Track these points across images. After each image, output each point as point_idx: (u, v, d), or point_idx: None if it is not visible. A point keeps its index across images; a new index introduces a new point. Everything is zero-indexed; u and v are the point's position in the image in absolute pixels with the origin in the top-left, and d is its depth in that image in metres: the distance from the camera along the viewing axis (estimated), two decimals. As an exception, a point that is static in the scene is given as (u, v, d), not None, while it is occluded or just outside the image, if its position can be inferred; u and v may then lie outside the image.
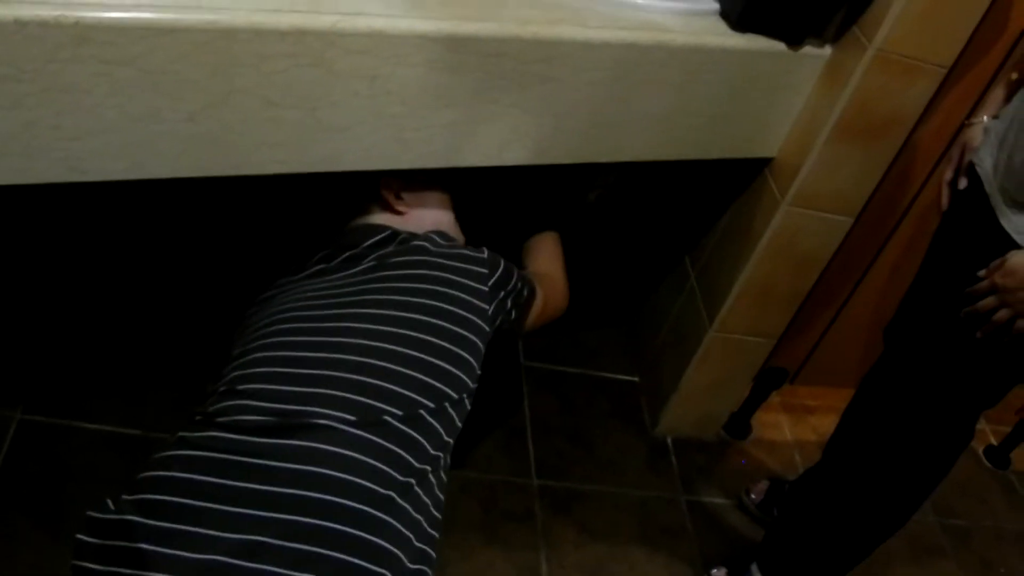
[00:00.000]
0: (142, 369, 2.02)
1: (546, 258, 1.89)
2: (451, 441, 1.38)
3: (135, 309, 2.09)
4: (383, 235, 1.55)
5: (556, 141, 1.61)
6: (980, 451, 2.64)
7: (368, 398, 1.28)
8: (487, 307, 1.50)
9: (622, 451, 2.27)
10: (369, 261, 1.51)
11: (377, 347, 1.34)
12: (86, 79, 1.18)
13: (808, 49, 1.71)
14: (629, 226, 2.43)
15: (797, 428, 2.53)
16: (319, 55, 1.28)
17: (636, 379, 2.44)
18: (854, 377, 1.95)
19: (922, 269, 1.76)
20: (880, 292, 2.28)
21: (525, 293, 1.66)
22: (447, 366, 1.39)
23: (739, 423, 2.42)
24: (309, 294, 1.47)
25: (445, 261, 1.51)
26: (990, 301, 1.51)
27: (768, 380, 2.34)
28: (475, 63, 1.41)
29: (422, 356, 1.36)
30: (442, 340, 1.40)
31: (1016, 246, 1.49)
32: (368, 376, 1.30)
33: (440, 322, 1.42)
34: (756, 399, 2.39)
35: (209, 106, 1.27)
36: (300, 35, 1.25)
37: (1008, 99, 1.63)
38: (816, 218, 1.90)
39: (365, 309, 1.40)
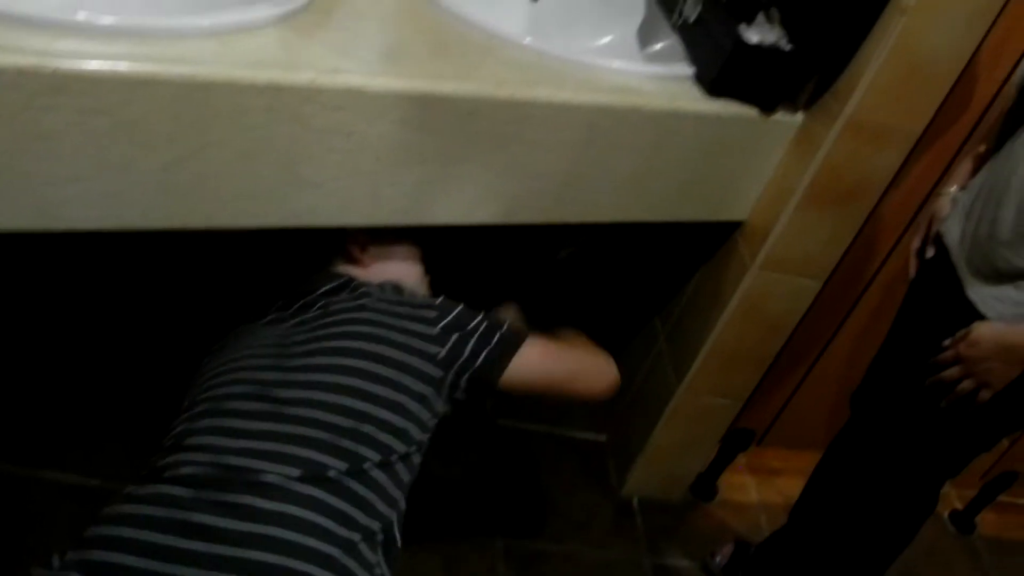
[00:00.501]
0: (102, 419, 2.00)
1: (571, 333, 1.82)
2: (400, 495, 1.36)
3: (95, 358, 2.07)
4: (337, 283, 1.54)
5: (528, 201, 1.62)
6: (945, 516, 2.64)
7: (312, 452, 1.26)
8: (438, 349, 1.44)
9: (588, 511, 2.26)
10: (317, 309, 1.49)
11: (319, 399, 1.31)
12: (61, 127, 1.18)
13: (781, 115, 1.74)
14: (599, 285, 2.44)
15: (763, 490, 2.52)
16: (296, 110, 1.29)
17: (603, 439, 2.44)
18: (821, 440, 1.96)
19: (889, 337, 1.78)
20: (847, 356, 2.30)
21: (497, 336, 1.51)
22: (391, 416, 1.35)
23: (706, 484, 2.42)
24: (257, 344, 1.45)
25: (388, 306, 1.47)
26: (954, 371, 1.53)
27: (735, 442, 2.34)
28: (450, 122, 1.42)
29: (365, 407, 1.33)
30: (386, 389, 1.36)
31: (980, 317, 1.51)
32: (311, 429, 1.28)
33: (381, 369, 1.37)
34: (723, 460, 2.39)
35: (184, 158, 1.27)
36: (277, 91, 1.26)
37: (975, 171, 1.66)
38: (785, 282, 1.92)
39: (307, 359, 1.37)
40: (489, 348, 1.49)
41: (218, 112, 1.24)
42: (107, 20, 1.20)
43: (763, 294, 1.93)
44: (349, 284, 1.54)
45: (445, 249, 1.76)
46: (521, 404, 2.41)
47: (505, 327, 1.54)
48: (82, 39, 1.17)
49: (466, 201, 1.56)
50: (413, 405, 1.39)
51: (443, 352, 1.44)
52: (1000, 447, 2.51)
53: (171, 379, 1.52)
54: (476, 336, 1.49)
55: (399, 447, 1.35)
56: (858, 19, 1.62)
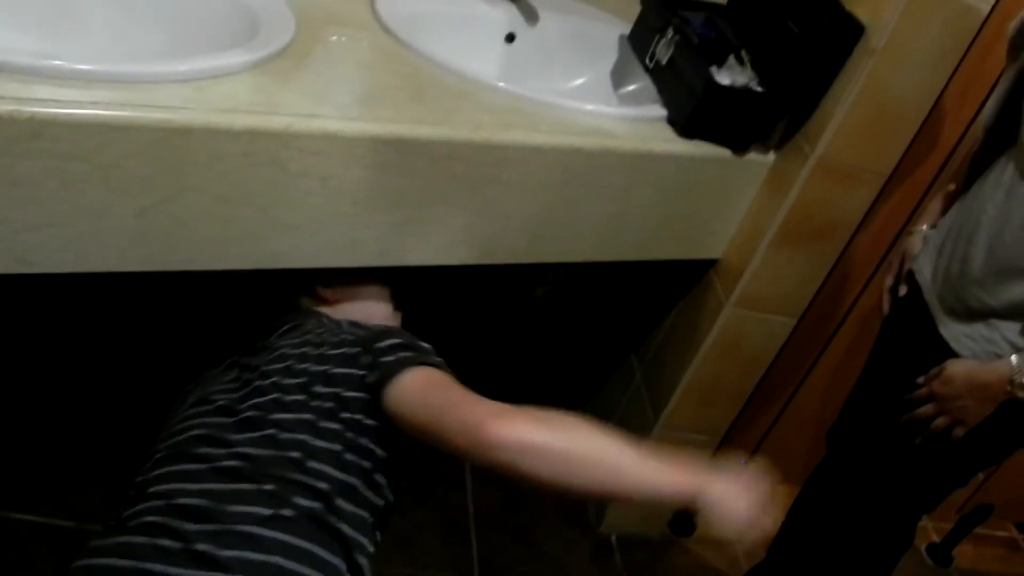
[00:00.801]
0: (75, 459, 1.98)
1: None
2: (369, 526, 1.32)
3: (69, 398, 2.06)
4: (294, 322, 1.51)
5: (503, 242, 1.63)
6: (923, 549, 2.65)
7: (274, 486, 1.24)
8: (362, 373, 1.33)
9: (566, 548, 2.26)
10: (271, 350, 1.44)
11: (271, 437, 1.28)
12: (38, 173, 1.18)
13: (753, 156, 1.76)
14: (576, 322, 2.45)
15: (741, 525, 2.53)
16: (273, 155, 1.30)
17: (581, 475, 2.43)
18: (798, 475, 1.97)
19: (864, 374, 1.80)
20: (822, 392, 2.31)
21: (400, 356, 1.34)
22: (340, 449, 1.30)
23: (683, 520, 2.42)
24: (215, 389, 1.41)
25: (325, 336, 1.42)
26: (928, 409, 1.54)
27: (712, 477, 2.35)
28: (427, 165, 1.43)
29: (323, 444, 1.29)
30: (326, 421, 1.31)
31: (953, 354, 1.53)
32: (270, 469, 1.25)
33: (319, 403, 1.31)
34: (700, 496, 2.39)
35: (160, 202, 1.28)
36: (254, 136, 1.27)
37: (945, 210, 1.68)
38: (760, 319, 1.94)
39: (256, 398, 1.33)
40: (388, 365, 1.33)
41: (195, 157, 1.25)
42: (84, 66, 1.21)
43: (739, 331, 1.95)
44: (303, 324, 1.50)
45: (418, 287, 1.76)
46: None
47: (423, 356, 1.37)
48: (59, 85, 1.17)
49: (443, 242, 1.57)
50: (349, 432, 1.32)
51: (370, 375, 1.34)
52: (976, 480, 2.53)
53: (146, 419, 1.51)
54: (383, 351, 1.36)
55: (355, 482, 1.30)
56: (827, 61, 1.65)
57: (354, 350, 1.35)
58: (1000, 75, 1.57)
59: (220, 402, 1.36)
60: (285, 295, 1.67)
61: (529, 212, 1.61)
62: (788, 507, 1.96)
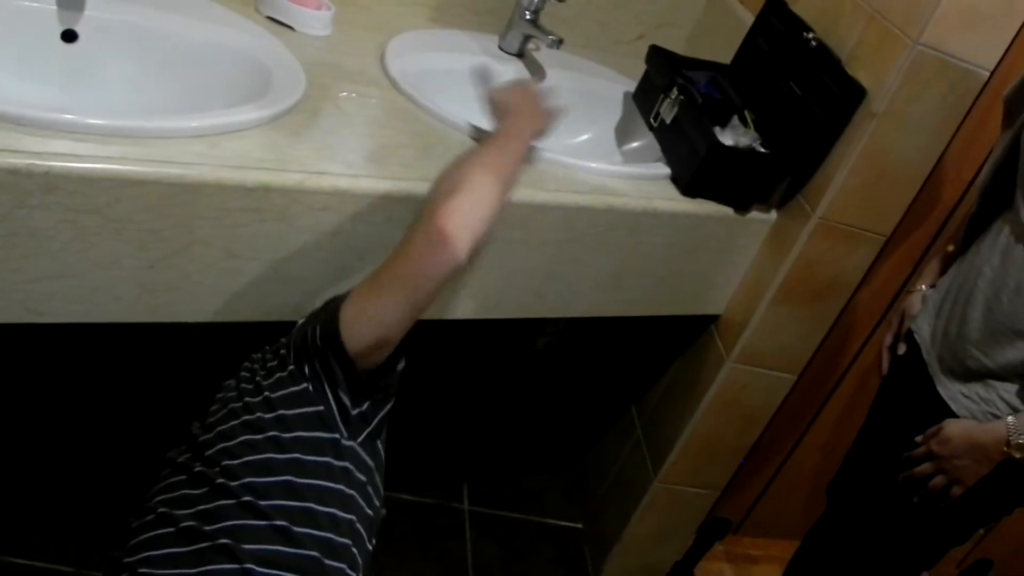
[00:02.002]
0: (76, 505, 1.98)
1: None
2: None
3: (71, 444, 2.06)
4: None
5: (506, 297, 1.65)
6: (922, 606, 2.64)
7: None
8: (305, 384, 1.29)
9: (564, 600, 2.25)
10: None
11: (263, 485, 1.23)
12: (52, 225, 1.20)
13: (755, 214, 1.78)
14: (577, 374, 2.46)
15: (740, 578, 2.53)
16: (283, 211, 1.32)
17: (580, 526, 2.43)
18: (797, 529, 1.98)
19: (863, 431, 1.81)
20: (822, 447, 2.32)
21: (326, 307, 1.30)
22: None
23: (682, 573, 2.41)
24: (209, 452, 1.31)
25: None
26: (926, 467, 1.55)
27: (712, 530, 2.35)
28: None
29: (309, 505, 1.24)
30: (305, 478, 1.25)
31: (952, 414, 1.54)
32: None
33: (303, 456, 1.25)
34: (700, 549, 2.39)
35: (170, 255, 1.30)
36: (265, 191, 1.29)
37: (944, 270, 1.70)
38: (760, 375, 1.95)
39: (237, 460, 1.26)
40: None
41: (205, 212, 1.27)
42: (99, 121, 1.23)
43: (739, 386, 1.96)
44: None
45: (420, 337, 1.77)
46: (498, 491, 2.41)
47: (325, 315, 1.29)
48: (75, 140, 1.20)
49: (448, 297, 1.58)
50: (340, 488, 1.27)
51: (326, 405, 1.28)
52: (975, 535, 2.53)
53: (143, 465, 1.50)
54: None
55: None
56: (829, 123, 1.67)
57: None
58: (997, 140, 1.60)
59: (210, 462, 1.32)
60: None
61: (533, 268, 1.62)
62: (789, 561, 1.96)
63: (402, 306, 1.24)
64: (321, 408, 1.27)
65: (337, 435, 1.27)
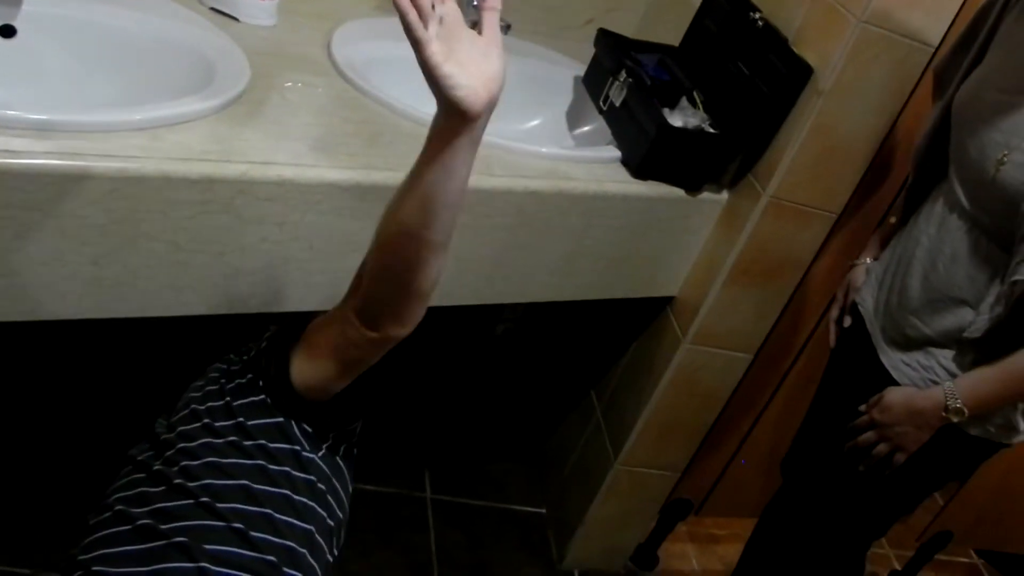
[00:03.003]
0: (32, 504, 1.96)
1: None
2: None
3: (24, 441, 2.04)
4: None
5: (460, 284, 1.64)
6: (884, 576, 2.68)
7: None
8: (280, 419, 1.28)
9: (529, 585, 2.26)
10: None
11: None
12: (-9, 224, 1.18)
13: (706, 195, 1.79)
14: (536, 359, 2.46)
15: (704, 558, 2.54)
16: (228, 202, 1.31)
17: (543, 511, 2.44)
18: (758, 507, 1.99)
19: (813, 404, 1.83)
20: (779, 424, 2.33)
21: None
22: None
23: (646, 554, 2.43)
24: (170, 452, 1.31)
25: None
26: (869, 436, 1.57)
27: (674, 511, 2.36)
28: (382, 210, 1.43)
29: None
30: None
31: (895, 383, 1.56)
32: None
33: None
34: (662, 530, 2.41)
35: (115, 250, 1.28)
36: (210, 183, 1.27)
37: (886, 243, 1.72)
38: (717, 355, 1.96)
39: (197, 461, 1.25)
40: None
41: (150, 205, 1.26)
42: (38, 116, 1.21)
43: (696, 367, 1.97)
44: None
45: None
46: (461, 479, 2.41)
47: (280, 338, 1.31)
48: (13, 136, 1.17)
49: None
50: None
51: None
52: (935, 507, 2.56)
53: (102, 463, 1.49)
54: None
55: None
56: (777, 102, 1.68)
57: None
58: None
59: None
60: (240, 339, 1.66)
61: (485, 254, 1.62)
62: (748, 539, 1.98)
63: (343, 377, 1.24)
64: (281, 420, 1.27)
65: (298, 447, 1.27)
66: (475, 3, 1.87)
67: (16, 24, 1.49)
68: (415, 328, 1.18)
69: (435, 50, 0.99)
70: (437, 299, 1.62)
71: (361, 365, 1.24)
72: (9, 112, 1.20)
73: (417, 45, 0.98)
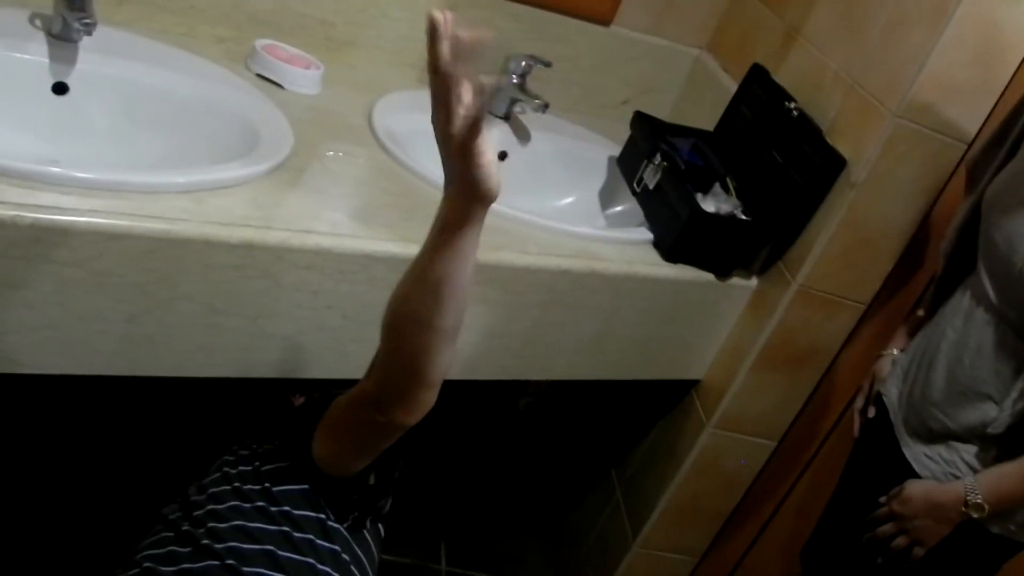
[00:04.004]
0: (63, 560, 1.96)
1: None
2: None
3: (58, 496, 2.04)
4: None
5: (488, 359, 1.65)
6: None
7: None
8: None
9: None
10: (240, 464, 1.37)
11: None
12: (34, 277, 1.20)
13: (736, 280, 1.80)
14: (557, 435, 2.45)
15: (718, 645, 2.50)
16: (266, 268, 1.33)
17: (558, 591, 2.42)
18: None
19: (835, 494, 1.81)
20: (801, 513, 2.31)
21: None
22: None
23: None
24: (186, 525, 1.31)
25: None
26: (888, 528, 1.55)
27: (690, 597, 2.33)
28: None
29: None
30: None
31: (915, 474, 1.54)
32: None
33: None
34: (678, 615, 2.38)
35: (152, 309, 1.30)
36: (249, 248, 1.30)
37: (913, 334, 1.72)
38: (740, 440, 1.95)
39: (225, 523, 1.26)
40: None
41: (188, 267, 1.28)
42: (85, 175, 1.24)
43: (719, 452, 1.96)
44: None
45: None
46: (476, 552, 2.39)
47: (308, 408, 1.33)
48: (61, 192, 1.20)
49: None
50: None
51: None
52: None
53: (133, 520, 1.49)
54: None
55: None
56: (810, 192, 1.69)
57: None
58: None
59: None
60: (265, 403, 1.67)
61: (515, 330, 1.63)
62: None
63: (357, 457, 1.24)
64: (306, 487, 1.27)
65: (323, 516, 1.27)
66: (514, 81, 1.91)
67: (68, 82, 1.53)
68: (428, 413, 1.16)
69: (486, 139, 0.98)
70: (465, 372, 1.64)
71: (372, 448, 1.23)
72: (56, 169, 1.23)
73: (475, 133, 0.97)
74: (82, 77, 1.53)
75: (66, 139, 1.53)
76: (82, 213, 1.19)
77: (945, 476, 1.52)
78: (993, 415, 1.45)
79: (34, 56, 1.50)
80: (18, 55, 1.49)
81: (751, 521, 2.28)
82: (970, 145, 1.66)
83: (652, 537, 2.09)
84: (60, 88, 1.53)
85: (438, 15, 0.93)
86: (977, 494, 1.45)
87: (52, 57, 1.51)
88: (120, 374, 1.36)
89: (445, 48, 0.93)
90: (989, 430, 1.46)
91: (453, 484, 2.45)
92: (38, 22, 1.53)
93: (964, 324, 1.51)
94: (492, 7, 1.92)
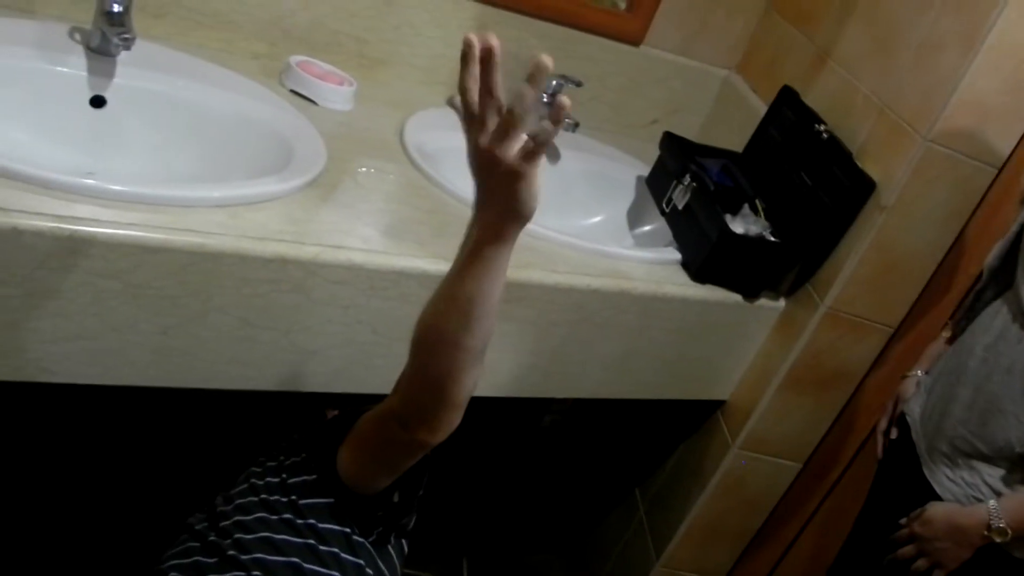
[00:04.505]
0: (89, 568, 1.97)
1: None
2: None
3: (86, 504, 2.06)
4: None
5: (516, 377, 1.66)
6: None
7: None
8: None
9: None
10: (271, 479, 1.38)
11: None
12: (71, 288, 1.22)
13: (763, 302, 1.80)
14: (582, 452, 2.45)
15: (739, 667, 2.49)
16: (299, 282, 1.34)
17: (580, 609, 2.41)
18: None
19: (860, 515, 1.81)
20: (826, 535, 2.30)
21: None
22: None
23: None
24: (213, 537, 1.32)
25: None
26: (909, 550, 1.55)
27: (712, 617, 2.32)
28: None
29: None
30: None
31: (937, 496, 1.54)
32: None
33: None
34: (699, 636, 2.37)
35: (186, 322, 1.32)
36: (283, 263, 1.31)
37: (939, 357, 1.71)
38: (765, 462, 1.95)
39: (251, 535, 1.26)
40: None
41: (223, 281, 1.29)
42: (123, 188, 1.26)
43: (744, 472, 1.95)
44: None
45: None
46: (499, 569, 2.39)
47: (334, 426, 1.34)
48: (98, 205, 1.22)
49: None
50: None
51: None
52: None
53: (159, 529, 1.50)
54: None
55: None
56: (839, 215, 1.69)
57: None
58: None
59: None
60: (295, 415, 1.68)
61: (543, 348, 1.64)
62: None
63: (381, 474, 1.25)
64: (332, 501, 1.28)
65: (348, 529, 1.28)
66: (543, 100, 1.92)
67: (106, 95, 1.55)
68: (453, 431, 1.16)
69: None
70: (493, 390, 1.65)
71: (396, 466, 1.23)
72: (93, 182, 1.25)
73: (535, 160, 0.97)
74: (120, 91, 1.56)
75: (104, 152, 1.55)
76: (120, 226, 1.21)
77: (967, 499, 1.51)
78: (1019, 435, 1.45)
79: (73, 70, 1.52)
80: (58, 68, 1.51)
81: (775, 542, 2.28)
82: (1000, 170, 1.65)
83: (675, 556, 2.09)
84: (98, 101, 1.55)
85: (475, 39, 0.93)
86: (1000, 518, 1.44)
87: (91, 71, 1.53)
88: (152, 385, 1.37)
89: (527, 99, 0.93)
90: (1018, 449, 1.45)
91: (476, 500, 2.45)
92: (77, 36, 1.56)
93: (995, 342, 1.50)
94: (523, 26, 1.94)
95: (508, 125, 0.95)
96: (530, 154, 0.96)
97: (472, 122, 0.98)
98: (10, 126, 1.47)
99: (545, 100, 1.93)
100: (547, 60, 0.90)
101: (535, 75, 0.92)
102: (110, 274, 1.23)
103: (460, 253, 1.08)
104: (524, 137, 0.96)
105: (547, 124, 0.93)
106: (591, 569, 2.41)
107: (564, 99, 0.91)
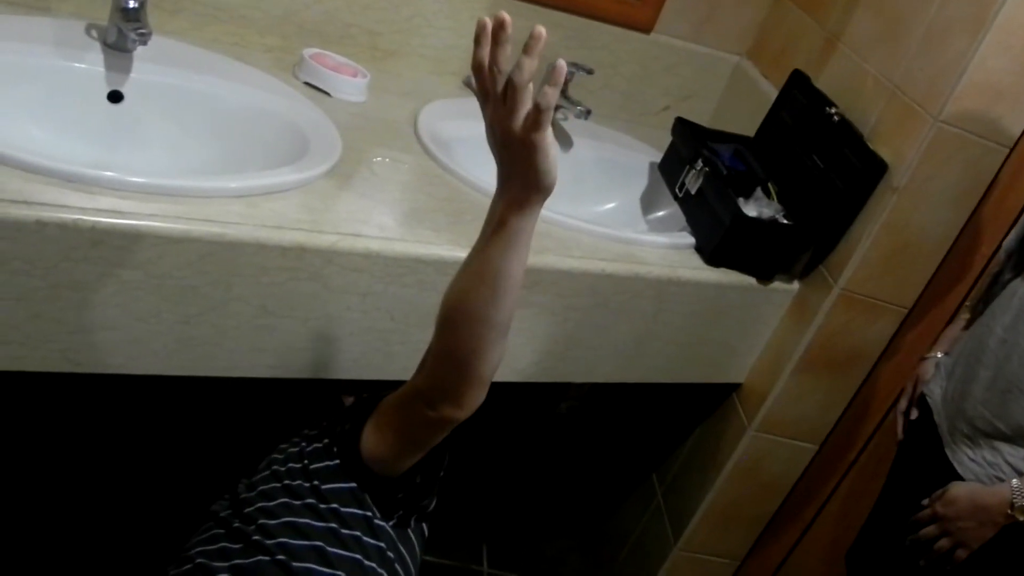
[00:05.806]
0: (115, 555, 1.99)
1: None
2: None
3: (111, 493, 2.08)
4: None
5: (532, 361, 1.67)
6: None
7: None
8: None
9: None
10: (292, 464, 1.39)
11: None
12: (95, 279, 1.24)
13: (777, 284, 1.81)
14: (598, 438, 2.46)
15: (759, 650, 2.50)
16: (317, 271, 1.36)
17: (599, 594, 2.43)
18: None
19: (880, 496, 1.81)
20: (843, 516, 2.30)
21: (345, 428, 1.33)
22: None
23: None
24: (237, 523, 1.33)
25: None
26: (931, 530, 1.55)
27: (731, 601, 2.34)
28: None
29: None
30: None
31: (958, 476, 1.54)
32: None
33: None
34: (718, 619, 2.38)
35: (207, 311, 1.34)
36: (301, 251, 1.33)
37: (958, 338, 1.72)
38: (782, 444, 1.96)
39: (275, 520, 1.28)
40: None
41: (242, 270, 1.31)
42: (144, 180, 1.28)
43: (760, 455, 1.97)
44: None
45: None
46: (516, 555, 2.41)
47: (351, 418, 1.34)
48: (119, 197, 1.24)
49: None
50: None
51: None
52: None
53: (183, 517, 1.51)
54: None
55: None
56: (851, 197, 1.70)
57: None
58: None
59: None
60: (314, 402, 1.70)
61: (559, 333, 1.65)
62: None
63: (405, 455, 1.26)
64: (354, 485, 1.30)
65: (370, 513, 1.30)
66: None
67: (123, 91, 1.57)
68: (474, 411, 1.19)
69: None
70: (509, 375, 1.67)
71: (421, 445, 1.25)
72: (114, 174, 1.27)
73: (541, 127, 1.00)
74: (136, 86, 1.58)
75: (121, 146, 1.57)
76: (142, 217, 1.23)
77: (989, 479, 1.52)
78: None
79: (90, 65, 1.54)
80: (75, 65, 1.53)
81: (793, 524, 2.29)
82: (1012, 149, 1.66)
83: (693, 539, 2.10)
84: (115, 96, 1.57)
85: (488, 20, 0.97)
86: (1023, 497, 1.45)
87: (107, 66, 1.56)
88: (174, 374, 1.39)
89: (524, 69, 0.97)
90: None
91: (495, 486, 2.47)
92: (94, 32, 1.58)
93: (1013, 321, 1.50)
94: (534, 15, 1.95)
95: (510, 96, 0.99)
96: (535, 123, 0.99)
97: (486, 98, 1.02)
98: (30, 122, 1.50)
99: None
100: (541, 29, 0.95)
101: (531, 45, 0.96)
102: (132, 265, 1.25)
103: (484, 230, 1.12)
104: (529, 106, 0.99)
105: (546, 88, 0.96)
106: (609, 554, 2.42)
107: (561, 62, 0.95)
